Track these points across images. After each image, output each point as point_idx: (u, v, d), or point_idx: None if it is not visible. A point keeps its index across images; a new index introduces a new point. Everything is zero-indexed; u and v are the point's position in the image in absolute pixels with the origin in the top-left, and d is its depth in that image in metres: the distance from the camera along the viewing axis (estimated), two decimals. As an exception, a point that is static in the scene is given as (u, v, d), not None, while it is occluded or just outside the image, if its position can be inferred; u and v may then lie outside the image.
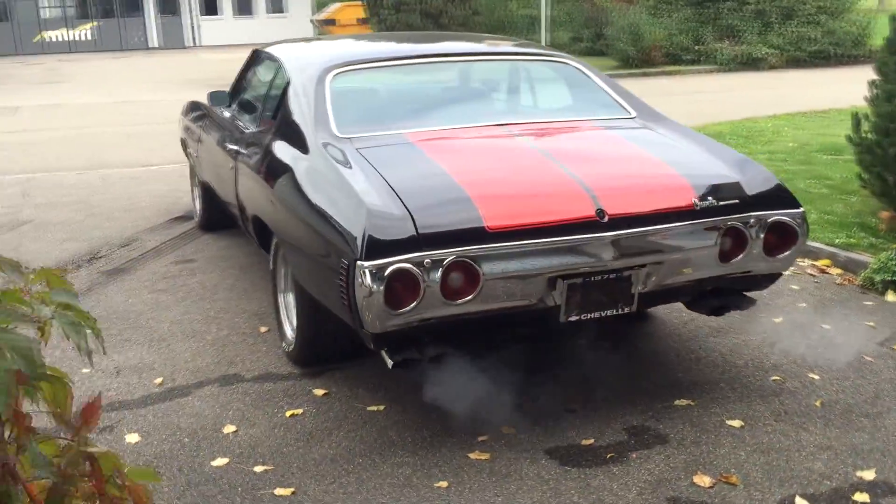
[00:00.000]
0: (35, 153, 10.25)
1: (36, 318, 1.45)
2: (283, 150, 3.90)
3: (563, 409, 3.52)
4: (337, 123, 3.76)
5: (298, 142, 3.79)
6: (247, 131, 4.59)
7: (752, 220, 3.41)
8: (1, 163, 9.59)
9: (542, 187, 3.33)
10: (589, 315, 3.29)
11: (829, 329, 4.31)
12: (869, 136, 5.94)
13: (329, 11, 28.75)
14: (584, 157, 3.66)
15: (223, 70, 17.27)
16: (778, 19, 19.42)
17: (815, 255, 5.40)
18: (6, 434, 1.47)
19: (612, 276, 3.25)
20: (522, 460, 3.15)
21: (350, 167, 3.41)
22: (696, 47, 19.48)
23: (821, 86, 15.53)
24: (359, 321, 3.05)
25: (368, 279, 2.90)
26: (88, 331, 1.65)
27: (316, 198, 3.41)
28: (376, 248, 2.95)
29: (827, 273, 5.18)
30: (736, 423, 3.38)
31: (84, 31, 33.74)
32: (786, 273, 5.10)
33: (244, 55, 5.78)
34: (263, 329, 4.44)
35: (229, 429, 3.42)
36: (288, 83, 4.20)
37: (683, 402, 3.56)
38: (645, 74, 18.25)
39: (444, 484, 3.00)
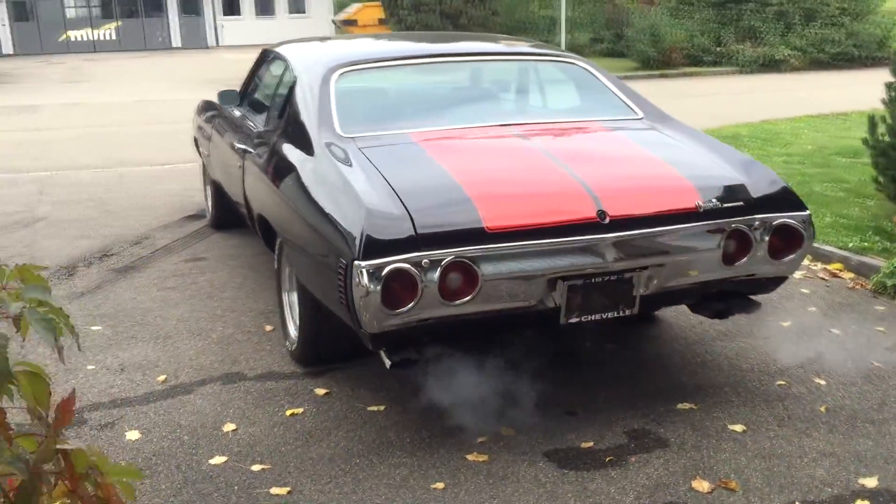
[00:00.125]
0: (53, 151, 10.34)
1: (4, 314, 1.44)
2: (287, 149, 3.90)
3: (564, 411, 3.50)
4: (341, 123, 3.76)
5: (302, 141, 3.79)
6: (254, 130, 4.61)
7: (757, 223, 3.37)
8: (20, 161, 9.68)
9: (544, 188, 3.31)
10: (589, 317, 3.27)
11: (838, 334, 4.25)
12: (885, 138, 5.86)
13: (349, 12, 28.84)
14: (588, 157, 3.63)
15: (242, 70, 17.25)
16: (800, 21, 19.26)
17: (827, 258, 5.33)
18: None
19: (613, 278, 3.22)
20: (520, 462, 3.13)
21: (351, 167, 3.40)
22: (717, 49, 19.35)
23: (842, 88, 15.37)
24: (356, 321, 3.04)
25: (366, 279, 2.90)
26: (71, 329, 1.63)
27: (317, 197, 3.41)
28: (374, 247, 2.94)
29: (839, 277, 5.12)
30: (738, 427, 3.34)
31: (107, 31, 34.05)
32: (797, 276, 5.08)
33: (263, 55, 5.79)
34: (269, 328, 4.44)
35: (229, 427, 3.42)
36: (294, 82, 4.21)
37: (686, 405, 3.53)
38: (664, 76, 18.15)
39: (440, 485, 2.99)
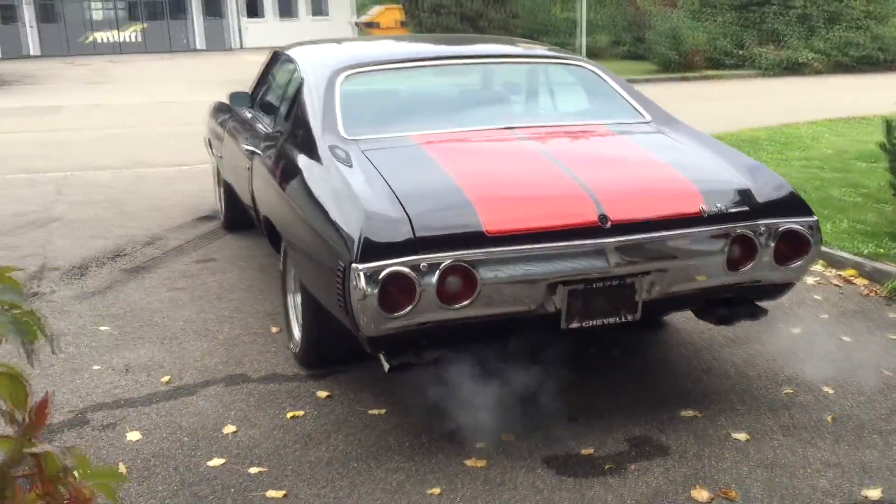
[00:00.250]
0: (73, 152, 10.43)
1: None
2: (291, 151, 3.90)
3: (566, 416, 3.47)
4: (345, 125, 3.75)
5: (306, 143, 3.79)
6: (262, 132, 4.61)
7: (762, 228, 3.32)
8: (40, 161, 9.78)
9: (545, 192, 3.29)
10: (591, 323, 3.23)
11: (848, 341, 4.19)
12: (902, 143, 5.78)
13: (371, 14, 28.96)
14: (591, 161, 3.60)
15: (262, 72, 17.27)
16: (823, 24, 19.08)
17: (841, 264, 5.26)
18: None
19: (614, 282, 3.19)
20: (518, 468, 3.10)
21: (353, 169, 3.40)
22: (739, 52, 19.20)
23: (865, 91, 15.19)
24: (355, 324, 3.03)
25: (363, 282, 2.89)
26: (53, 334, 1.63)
27: (318, 199, 3.41)
28: (372, 250, 2.93)
29: (852, 283, 5.04)
30: (742, 436, 3.29)
31: (132, 33, 34.39)
32: (809, 282, 5.02)
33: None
34: (275, 330, 4.44)
35: (229, 429, 3.42)
36: (301, 84, 4.21)
37: (689, 413, 3.48)
38: (684, 79, 18.04)
39: (436, 491, 2.97)
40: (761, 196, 3.40)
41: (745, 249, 3.32)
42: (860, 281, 5.06)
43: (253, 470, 3.13)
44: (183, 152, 9.89)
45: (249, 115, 5.18)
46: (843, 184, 7.40)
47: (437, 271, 2.94)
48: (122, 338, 4.41)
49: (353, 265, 2.90)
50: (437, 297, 2.97)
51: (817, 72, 18.55)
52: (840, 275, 5.16)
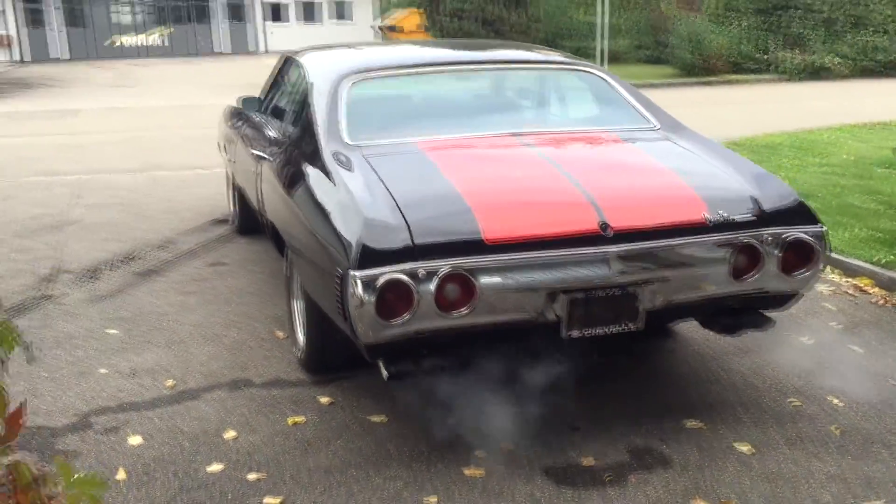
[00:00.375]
0: (93, 155, 10.54)
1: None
2: (296, 156, 3.91)
3: (568, 425, 3.44)
4: (348, 131, 3.75)
5: (310, 148, 3.79)
6: (270, 136, 4.63)
7: (768, 237, 3.28)
8: (60, 164, 9.88)
9: (547, 199, 3.26)
10: (592, 331, 3.20)
11: (859, 352, 4.13)
12: (920, 150, 5.69)
13: (393, 18, 29.04)
14: (595, 168, 3.58)
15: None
16: (847, 28, 18.86)
17: (855, 273, 5.19)
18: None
19: (616, 291, 3.15)
20: (517, 478, 3.08)
21: (354, 175, 3.39)
22: (762, 56, 19.04)
23: (889, 96, 15.03)
24: (353, 331, 3.02)
25: (360, 289, 2.88)
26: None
27: (319, 205, 3.41)
28: (369, 257, 2.92)
29: (866, 293, 4.97)
30: (745, 448, 3.25)
31: (157, 37, 34.71)
32: (823, 291, 4.95)
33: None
34: (281, 335, 4.45)
35: (230, 434, 3.42)
36: (308, 89, 4.22)
37: (693, 423, 3.44)
38: (706, 83, 17.93)
39: (433, 500, 2.95)
40: (767, 204, 3.35)
41: (750, 259, 3.27)
42: (875, 290, 4.98)
43: (251, 476, 3.12)
44: (200, 156, 9.94)
45: (259, 120, 5.20)
46: (862, 191, 7.30)
47: (436, 279, 2.93)
48: (130, 341, 4.43)
49: (351, 272, 2.90)
50: (435, 305, 2.95)
51: (841, 76, 18.36)
52: (854, 284, 5.08)
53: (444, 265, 2.94)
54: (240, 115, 5.83)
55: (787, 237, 3.29)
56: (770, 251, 3.28)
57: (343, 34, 32.43)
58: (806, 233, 3.33)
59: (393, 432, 3.43)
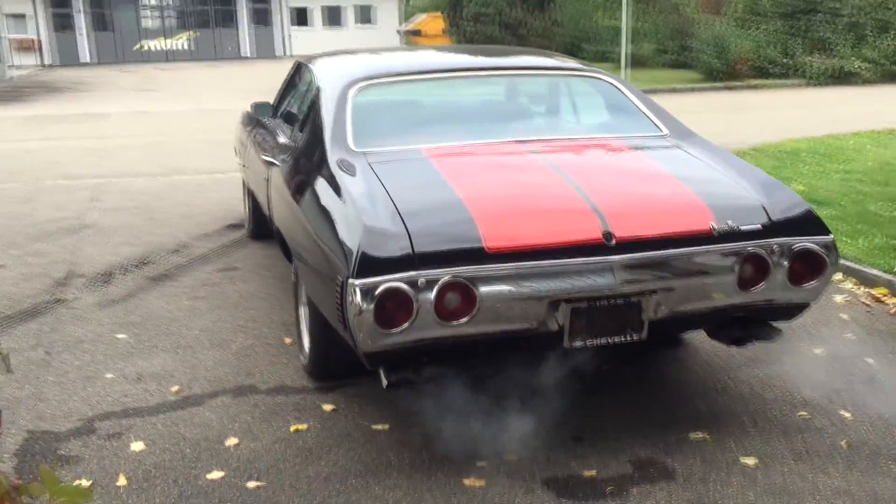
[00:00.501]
0: (113, 158, 10.63)
1: None
2: (302, 163, 3.91)
3: (571, 436, 3.40)
4: (354, 137, 3.74)
5: (317, 155, 3.79)
6: (279, 143, 4.63)
7: (776, 247, 3.22)
8: (80, 167, 9.98)
9: (550, 207, 3.23)
10: (595, 341, 3.17)
11: (872, 364, 4.05)
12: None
13: (415, 22, 29.10)
14: (600, 176, 3.54)
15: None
16: (873, 32, 18.63)
17: (871, 282, 5.10)
18: None
19: (619, 301, 3.12)
20: (518, 489, 3.05)
21: (357, 182, 3.38)
22: (785, 60, 18.85)
23: (916, 102, 14.81)
24: (352, 339, 3.01)
25: (359, 297, 2.86)
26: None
27: (321, 212, 3.40)
28: (369, 265, 2.90)
29: (882, 302, 4.88)
30: (751, 461, 3.19)
31: (182, 41, 35.03)
32: (837, 300, 4.88)
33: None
34: (288, 341, 4.44)
35: (231, 441, 3.42)
36: (316, 96, 4.21)
37: (699, 435, 3.39)
38: (729, 88, 17.78)
39: (431, 510, 2.93)
40: (775, 214, 3.30)
41: (757, 269, 3.22)
42: (892, 300, 4.89)
43: (251, 484, 3.11)
44: (219, 160, 10.01)
45: (271, 126, 5.20)
46: (883, 198, 7.18)
47: (436, 287, 2.90)
48: (138, 346, 4.45)
49: (350, 280, 2.88)
50: (435, 314, 2.93)
51: (867, 81, 18.13)
52: (870, 293, 5.00)
53: (445, 274, 2.91)
54: (255, 120, 5.85)
55: (795, 247, 3.24)
56: (778, 261, 3.22)
57: (367, 38, 32.54)
58: (814, 242, 3.27)
59: (394, 440, 3.41)
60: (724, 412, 3.60)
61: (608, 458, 3.24)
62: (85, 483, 3.12)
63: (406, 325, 2.91)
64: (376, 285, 2.86)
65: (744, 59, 18.62)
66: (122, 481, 3.13)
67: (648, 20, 23.44)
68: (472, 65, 4.59)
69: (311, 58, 5.09)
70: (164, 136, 12.65)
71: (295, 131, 4.47)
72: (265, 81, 22.11)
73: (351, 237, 3.03)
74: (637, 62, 20.92)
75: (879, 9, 19.02)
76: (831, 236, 3.33)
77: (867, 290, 5.05)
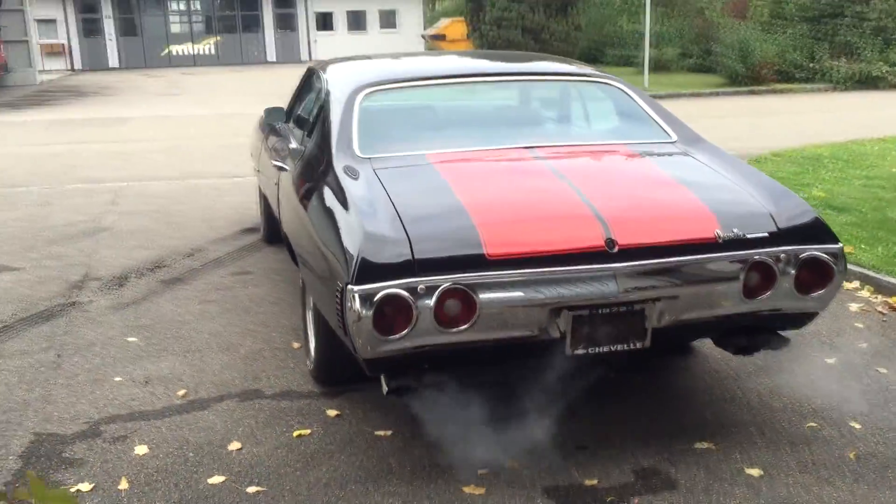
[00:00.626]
0: (134, 162, 10.73)
1: None
2: (309, 168, 3.91)
3: (575, 444, 3.37)
4: (360, 143, 3.74)
5: (323, 160, 3.79)
6: (289, 148, 4.64)
7: (782, 255, 3.18)
8: (101, 171, 10.08)
9: (553, 214, 3.21)
10: (597, 349, 3.14)
11: (885, 374, 3.98)
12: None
13: (439, 27, 29.13)
14: (606, 183, 3.51)
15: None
16: (899, 36, 18.41)
17: (888, 290, 5.02)
18: None
19: (622, 309, 3.09)
20: (518, 497, 3.03)
21: (360, 188, 3.38)
22: (810, 65, 18.66)
23: (943, 107, 14.59)
24: (352, 345, 3.01)
25: (357, 304, 2.86)
26: None
27: (325, 218, 3.40)
28: (368, 271, 2.90)
29: (899, 311, 4.81)
30: (755, 471, 3.15)
31: (207, 46, 35.31)
32: (853, 309, 4.81)
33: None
34: (296, 345, 4.45)
35: (234, 446, 3.43)
36: (325, 101, 4.22)
37: (704, 445, 3.35)
38: (752, 92, 17.63)
39: (429, 517, 2.92)
40: (782, 221, 3.25)
41: (763, 277, 3.18)
42: (908, 309, 4.82)
43: (251, 489, 3.12)
44: (237, 164, 10.06)
45: (283, 131, 5.22)
46: (904, 205, 7.08)
47: (436, 294, 2.89)
48: (148, 349, 4.48)
49: (349, 286, 2.88)
50: (435, 321, 2.92)
51: (893, 86, 17.89)
52: (887, 302, 4.92)
53: (445, 281, 2.90)
54: (267, 126, 5.87)
55: (802, 255, 3.20)
56: (784, 269, 3.18)
57: (390, 43, 32.61)
58: (822, 251, 3.22)
59: (396, 447, 3.40)
60: (731, 421, 3.55)
61: (611, 467, 3.21)
62: (87, 486, 3.13)
63: (405, 331, 2.90)
64: (375, 291, 2.86)
65: (768, 64, 18.46)
66: (123, 485, 3.15)
67: (672, 24, 23.33)
68: (480, 70, 4.57)
69: (323, 63, 5.10)
70: (185, 140, 12.75)
71: (304, 137, 4.48)
72: (287, 86, 22.24)
73: (351, 243, 3.03)
74: (660, 66, 20.83)
75: (906, 13, 18.79)
76: (840, 244, 3.28)
77: (884, 298, 4.97)
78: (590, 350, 3.13)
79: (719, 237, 3.15)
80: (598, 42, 24.28)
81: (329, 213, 3.39)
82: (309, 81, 5.23)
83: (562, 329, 3.06)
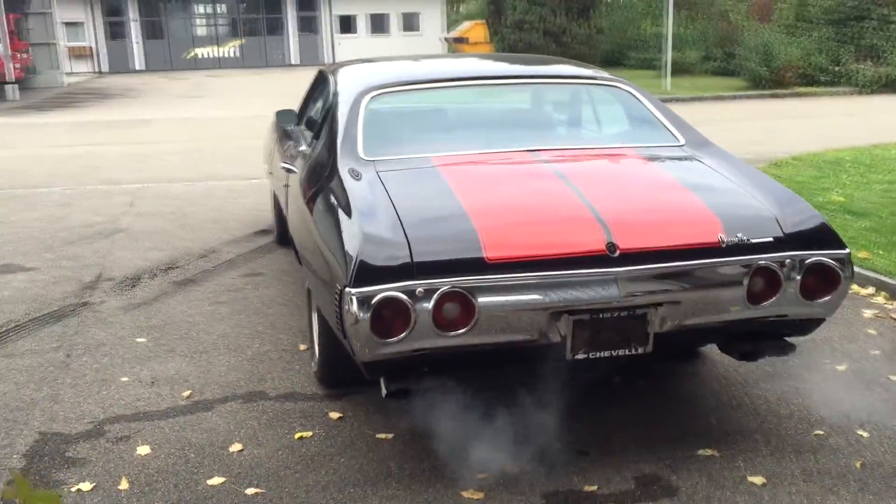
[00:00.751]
0: (153, 164, 10.82)
1: None
2: (316, 170, 3.92)
3: (576, 449, 3.34)
4: (365, 146, 3.74)
5: (328, 162, 3.79)
6: (297, 149, 4.66)
7: (788, 261, 3.14)
8: (121, 172, 10.16)
9: (554, 218, 3.19)
10: (598, 354, 3.11)
11: (896, 381, 3.92)
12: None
13: (460, 30, 29.15)
14: (610, 187, 3.48)
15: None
16: (926, 39, 18.17)
17: (904, 297, 4.95)
18: None
19: (623, 313, 3.06)
20: (516, 502, 3.00)
21: (363, 191, 3.37)
22: (834, 68, 18.45)
23: (969, 111, 14.37)
24: (350, 348, 3.00)
25: (355, 306, 2.85)
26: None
27: (327, 220, 3.40)
28: (366, 274, 2.89)
29: (913, 318, 4.73)
30: (758, 479, 3.10)
31: (231, 49, 35.57)
32: (866, 316, 4.74)
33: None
34: (303, 347, 4.46)
35: (236, 447, 3.43)
36: (333, 104, 4.22)
37: (707, 452, 3.31)
38: (774, 96, 17.47)
39: (426, 521, 2.90)
40: (788, 226, 3.21)
41: (768, 282, 3.13)
42: (923, 316, 4.74)
43: (250, 491, 3.12)
44: (255, 166, 10.06)
45: (294, 133, 5.24)
46: (924, 210, 6.98)
47: (434, 297, 2.88)
48: (156, 350, 4.50)
49: (347, 289, 2.87)
50: (433, 324, 2.90)
51: (919, 90, 17.68)
52: (902, 308, 4.85)
53: (444, 284, 2.89)
54: (278, 128, 5.89)
55: (807, 261, 3.15)
56: (789, 275, 3.14)
57: (412, 46, 32.68)
58: (829, 256, 3.17)
59: (397, 450, 3.39)
60: (736, 428, 3.51)
61: (611, 473, 3.18)
62: (87, 486, 3.15)
63: (403, 334, 2.89)
64: (373, 294, 2.85)
65: (791, 67, 18.28)
66: (124, 485, 3.16)
67: (695, 27, 23.17)
68: (488, 73, 4.55)
69: (333, 66, 5.11)
70: (205, 142, 12.83)
71: (312, 139, 4.49)
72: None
73: (350, 245, 3.03)
74: (682, 69, 20.69)
75: (933, 15, 18.55)
76: (847, 250, 3.23)
77: (898, 304, 4.90)
78: (591, 355, 3.10)
79: (723, 242, 3.11)
80: (621, 45, 24.16)
81: (330, 214, 3.39)
82: (319, 84, 5.23)
83: (562, 333, 3.04)
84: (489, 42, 24.91)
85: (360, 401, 3.81)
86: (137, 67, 34.32)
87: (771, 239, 3.17)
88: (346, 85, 4.28)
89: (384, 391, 3.11)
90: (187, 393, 3.95)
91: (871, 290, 5.14)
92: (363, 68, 4.74)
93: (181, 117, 16.65)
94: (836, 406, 3.66)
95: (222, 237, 6.90)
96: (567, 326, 3.02)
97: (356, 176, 3.52)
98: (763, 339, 3.37)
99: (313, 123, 4.88)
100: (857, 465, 3.20)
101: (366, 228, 3.06)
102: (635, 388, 3.90)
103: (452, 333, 2.94)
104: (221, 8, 35.73)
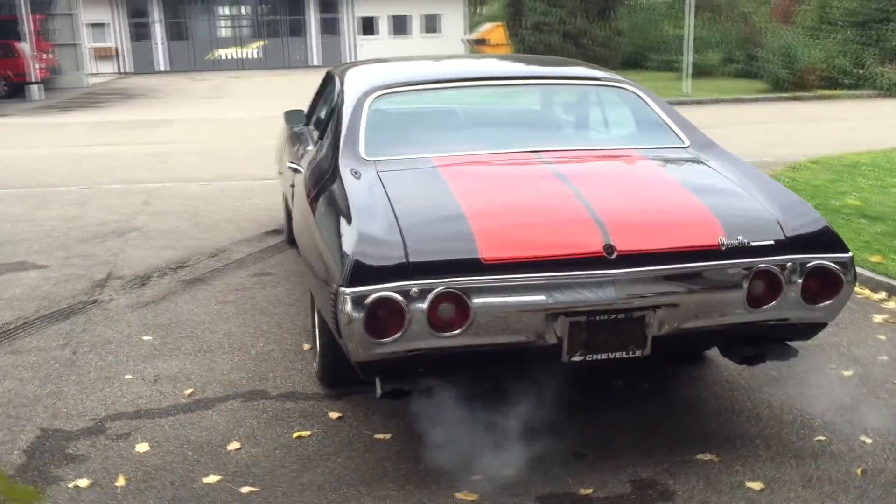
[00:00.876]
0: (171, 164, 10.90)
1: None
2: (318, 170, 3.92)
3: (574, 452, 3.32)
4: (366, 146, 3.74)
5: (331, 162, 3.80)
6: (304, 149, 4.67)
7: (788, 264, 3.10)
8: (139, 172, 10.25)
9: (553, 219, 3.17)
10: (595, 356, 3.09)
11: (903, 387, 3.86)
12: None
13: (481, 32, 29.16)
14: (610, 189, 3.45)
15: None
16: (951, 42, 17.93)
17: (916, 302, 4.88)
18: None
19: (621, 316, 3.03)
20: (509, 505, 2.99)
21: (362, 191, 3.37)
22: (857, 71, 18.25)
23: None
24: (345, 348, 3.00)
25: (349, 306, 2.85)
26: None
27: (326, 219, 3.41)
28: (361, 274, 2.89)
29: (925, 324, 4.66)
30: (756, 485, 3.07)
31: (253, 50, 35.81)
32: (876, 320, 4.68)
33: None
34: (306, 347, 4.46)
35: (234, 446, 3.44)
36: (338, 104, 4.23)
37: (706, 456, 3.27)
38: (796, 98, 17.30)
39: (418, 523, 2.89)
40: (790, 230, 3.17)
41: (768, 286, 3.10)
42: (935, 321, 4.67)
43: (245, 489, 3.12)
44: (270, 165, 10.09)
45: (302, 133, 5.25)
46: (942, 214, 6.87)
47: (428, 298, 2.87)
48: (161, 348, 4.52)
49: (341, 288, 2.87)
50: (427, 324, 2.89)
51: (944, 93, 17.44)
52: (913, 313, 4.78)
53: (438, 284, 2.88)
54: (288, 128, 5.91)
55: (809, 264, 3.11)
56: (790, 278, 3.10)
57: (432, 47, 32.74)
58: (830, 260, 3.13)
59: (394, 451, 3.38)
60: (736, 433, 3.47)
61: (608, 476, 3.15)
62: (85, 483, 3.17)
63: (398, 334, 2.89)
64: (367, 294, 2.85)
65: (813, 69, 18.10)
66: (120, 482, 3.18)
67: (717, 29, 23.01)
68: (493, 74, 4.53)
69: (341, 67, 5.12)
70: (223, 143, 12.91)
71: (317, 139, 4.50)
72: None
73: (346, 245, 3.03)
74: (703, 71, 20.55)
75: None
76: (849, 254, 3.19)
77: (910, 310, 4.83)
78: (587, 357, 3.08)
79: (723, 244, 3.08)
80: (642, 47, 24.04)
81: (329, 214, 3.40)
82: (327, 84, 5.25)
83: (559, 335, 3.02)
84: (509, 44, 24.90)
85: (360, 401, 3.81)
86: (161, 68, 34.63)
87: (772, 242, 3.13)
88: (352, 85, 4.29)
89: (378, 391, 3.10)
90: (189, 391, 3.97)
91: (882, 294, 5.07)
92: (369, 69, 4.74)
93: (201, 118, 16.77)
94: (840, 412, 3.61)
95: (234, 236, 6.93)
96: (563, 328, 3.00)
97: (356, 175, 3.53)
98: (764, 343, 3.34)
99: (320, 123, 4.90)
100: (858, 471, 3.16)
101: (362, 228, 3.06)
102: (637, 392, 3.87)
103: (447, 334, 2.93)
104: (244, 10, 35.97)
